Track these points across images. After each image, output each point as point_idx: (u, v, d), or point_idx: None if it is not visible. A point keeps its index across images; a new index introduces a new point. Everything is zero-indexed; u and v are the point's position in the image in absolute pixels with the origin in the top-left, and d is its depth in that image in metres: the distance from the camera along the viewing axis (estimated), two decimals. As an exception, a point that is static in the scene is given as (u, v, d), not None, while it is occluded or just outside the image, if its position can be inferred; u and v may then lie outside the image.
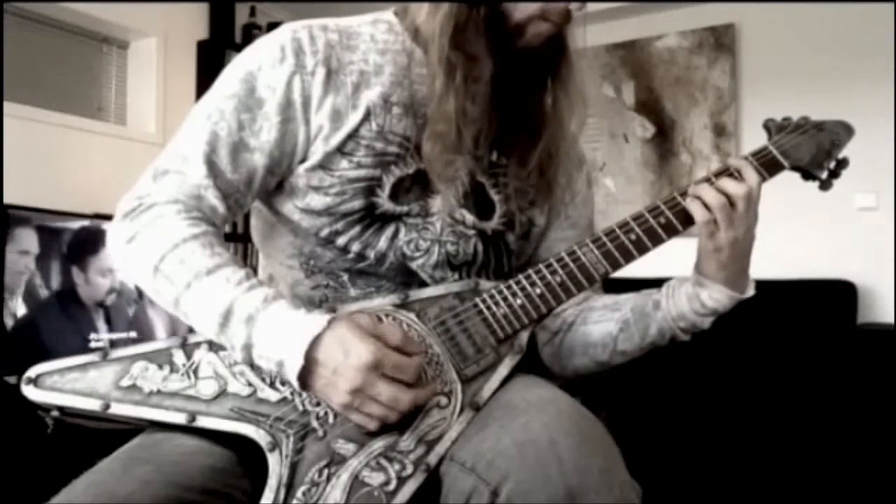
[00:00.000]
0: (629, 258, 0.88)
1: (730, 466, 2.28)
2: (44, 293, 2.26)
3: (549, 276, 0.87)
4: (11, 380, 1.99)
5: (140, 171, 0.86)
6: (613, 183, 3.32)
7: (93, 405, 0.78)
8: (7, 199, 2.29)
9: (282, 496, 0.72)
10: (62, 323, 2.30)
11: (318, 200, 0.87)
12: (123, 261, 0.83)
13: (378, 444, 0.76)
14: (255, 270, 0.84)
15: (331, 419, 0.77)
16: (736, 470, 2.27)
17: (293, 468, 0.74)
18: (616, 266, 0.88)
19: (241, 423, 0.77)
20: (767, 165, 0.92)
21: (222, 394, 0.78)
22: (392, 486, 0.74)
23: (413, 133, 0.88)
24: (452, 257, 0.90)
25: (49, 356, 0.81)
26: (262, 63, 0.86)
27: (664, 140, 3.23)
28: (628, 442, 0.84)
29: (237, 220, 2.72)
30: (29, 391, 0.78)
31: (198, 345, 0.81)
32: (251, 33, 3.40)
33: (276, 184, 0.89)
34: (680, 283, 0.93)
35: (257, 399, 0.78)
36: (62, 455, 1.78)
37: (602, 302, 0.99)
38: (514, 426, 0.72)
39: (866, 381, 2.31)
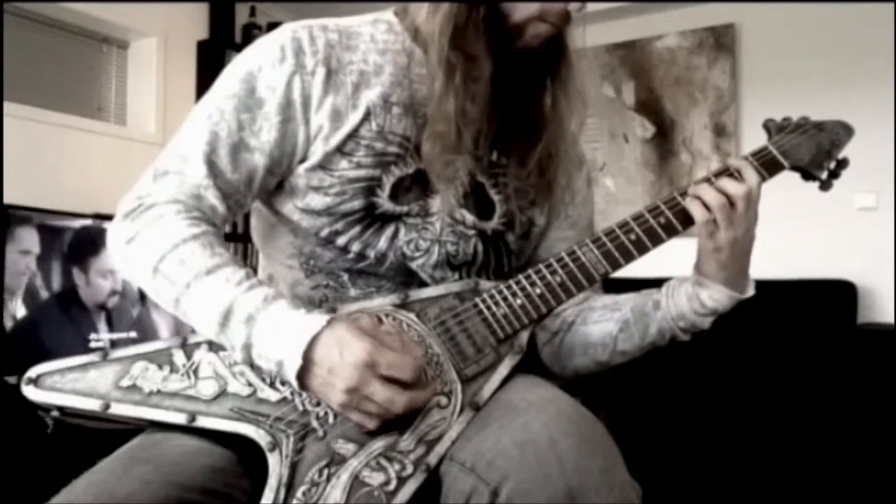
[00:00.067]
0: (629, 258, 0.88)
1: (730, 466, 2.28)
2: (44, 293, 2.26)
3: (549, 276, 0.87)
4: (11, 380, 1.99)
5: (140, 171, 0.86)
6: (613, 183, 3.32)
7: (93, 405, 0.78)
8: (7, 199, 2.29)
9: (282, 496, 0.72)
10: (63, 323, 2.30)
11: (318, 200, 0.87)
12: (124, 261, 0.83)
13: (378, 444, 0.76)
14: (255, 270, 0.84)
15: (331, 419, 0.77)
16: (736, 470, 2.27)
17: (293, 468, 0.74)
18: (616, 266, 0.88)
19: (241, 423, 0.77)
20: (767, 165, 0.93)
21: (222, 394, 0.78)
22: (392, 486, 0.74)
23: (413, 133, 0.88)
24: (452, 257, 0.90)
25: (49, 356, 0.81)
26: (262, 63, 0.86)
27: (664, 140, 3.23)
28: (628, 442, 0.84)
29: (237, 220, 2.72)
30: (29, 391, 0.78)
31: (198, 345, 0.81)
32: (251, 33, 3.40)
33: (276, 184, 0.89)
34: (680, 283, 0.93)
35: (257, 399, 0.78)
36: (62, 455, 1.78)
37: (602, 302, 0.99)
38: (514, 426, 0.72)
39: (866, 381, 2.31)
